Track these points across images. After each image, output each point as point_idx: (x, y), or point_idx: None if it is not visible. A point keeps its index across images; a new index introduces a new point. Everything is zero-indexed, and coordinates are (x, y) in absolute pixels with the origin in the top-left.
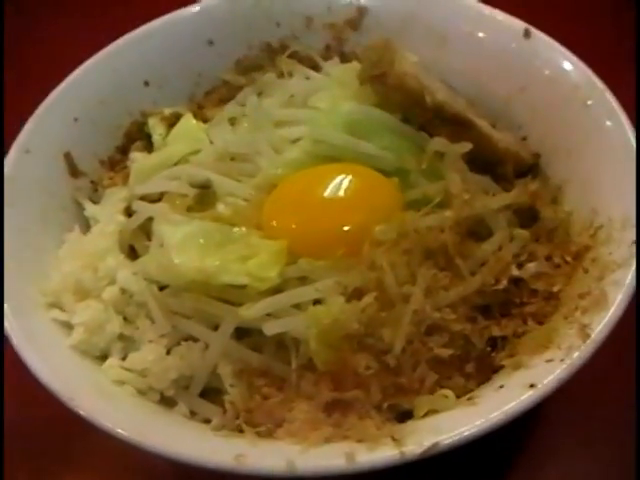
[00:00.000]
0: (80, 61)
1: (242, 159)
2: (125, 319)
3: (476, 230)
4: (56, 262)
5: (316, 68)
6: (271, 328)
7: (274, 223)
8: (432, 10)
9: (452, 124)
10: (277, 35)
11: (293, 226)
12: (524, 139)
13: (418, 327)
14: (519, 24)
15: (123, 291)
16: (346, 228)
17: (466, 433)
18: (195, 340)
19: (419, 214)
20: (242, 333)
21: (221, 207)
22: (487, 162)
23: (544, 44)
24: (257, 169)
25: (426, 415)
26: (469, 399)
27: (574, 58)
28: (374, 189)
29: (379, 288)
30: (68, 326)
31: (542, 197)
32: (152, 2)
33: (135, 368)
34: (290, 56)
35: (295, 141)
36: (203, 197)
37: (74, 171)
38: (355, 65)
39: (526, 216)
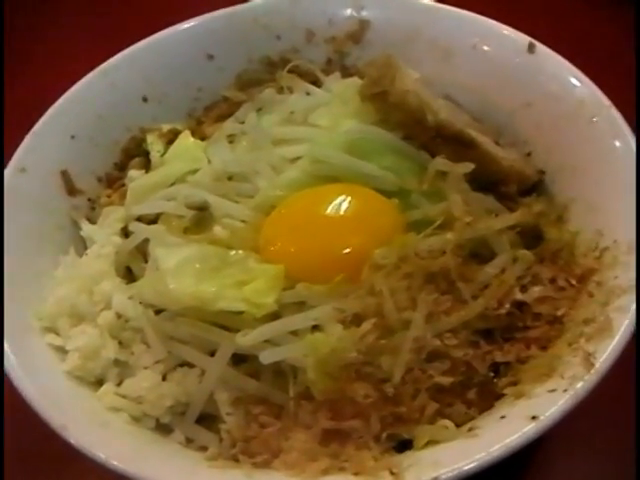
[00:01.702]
0: (78, 77)
1: (240, 179)
2: (120, 344)
3: (479, 251)
4: (52, 284)
5: (317, 83)
6: (268, 357)
7: (272, 246)
8: (436, 24)
9: (454, 143)
10: (278, 49)
11: (291, 250)
12: (529, 155)
13: (418, 354)
14: (524, 38)
15: (119, 316)
16: (345, 252)
17: (466, 468)
18: (191, 366)
19: (420, 236)
20: (239, 359)
21: (218, 229)
22: (490, 181)
23: (549, 59)
24: (255, 189)
25: (426, 445)
26: (470, 430)
27: (580, 74)
28: (374, 211)
29: (378, 314)
30: (63, 351)
31: (547, 216)
32: (151, 16)
33: (130, 395)
34: (291, 70)
35: (294, 160)
36: (200, 219)
37: (71, 189)
38: (356, 81)
39: (530, 235)
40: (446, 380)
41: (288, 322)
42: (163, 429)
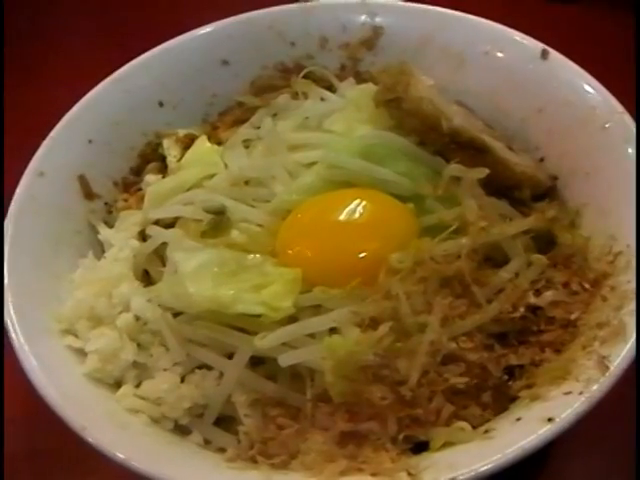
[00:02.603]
0: (94, 82)
1: (257, 184)
2: (139, 346)
3: (492, 256)
4: (70, 287)
5: (331, 89)
6: (286, 359)
7: (289, 250)
8: (449, 30)
9: (468, 148)
10: (292, 55)
11: (308, 254)
12: (541, 161)
13: (434, 357)
14: (536, 44)
15: (137, 318)
16: (362, 256)
17: (482, 469)
18: (209, 368)
19: (435, 241)
20: (257, 361)
21: (235, 233)
22: (504, 186)
23: (562, 65)
24: (272, 194)
25: (442, 447)
26: (486, 432)
27: (592, 80)
28: (390, 215)
29: (395, 318)
30: (82, 353)
31: (560, 221)
32: (166, 22)
33: (149, 396)
34: (305, 76)
35: (310, 165)
36: (217, 223)
37: (88, 193)
38: (370, 87)
39: (543, 240)
40: (461, 382)
41: (306, 325)
42: (181, 430)
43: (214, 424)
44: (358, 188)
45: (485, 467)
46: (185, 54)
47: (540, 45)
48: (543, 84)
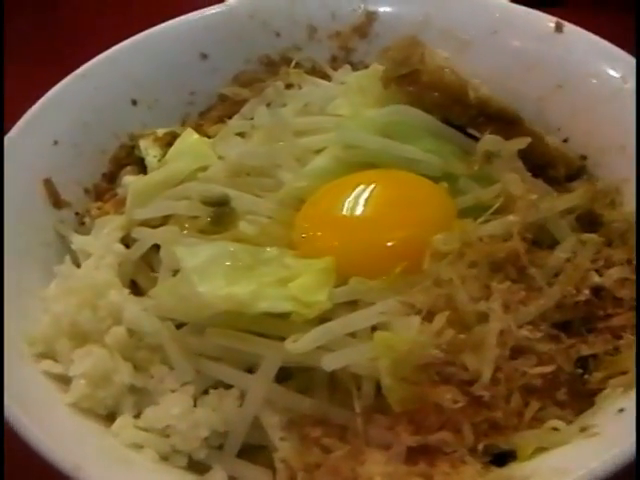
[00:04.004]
0: (59, 78)
1: (259, 174)
2: (136, 367)
3: (537, 238)
4: (43, 304)
5: (325, 79)
6: (332, 362)
7: (311, 242)
8: (449, 12)
9: (498, 121)
10: (278, 47)
11: (336, 243)
12: (565, 141)
13: (504, 349)
14: (548, 18)
15: (131, 332)
16: (401, 241)
17: (598, 471)
18: (227, 387)
19: (479, 222)
20: (283, 376)
21: (243, 226)
22: (537, 164)
23: (579, 37)
24: (278, 183)
25: (534, 454)
26: (582, 430)
27: (617, 49)
28: (425, 196)
29: (450, 306)
30: (64, 380)
31: (602, 200)
32: (138, 13)
33: (154, 426)
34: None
35: (319, 152)
36: (220, 216)
37: (56, 201)
38: (374, 69)
39: (585, 221)
40: (538, 375)
41: (347, 322)
42: (198, 467)
43: (238, 456)
44: (384, 169)
45: (600, 468)
46: (159, 47)
47: (553, 18)
48: (560, 59)
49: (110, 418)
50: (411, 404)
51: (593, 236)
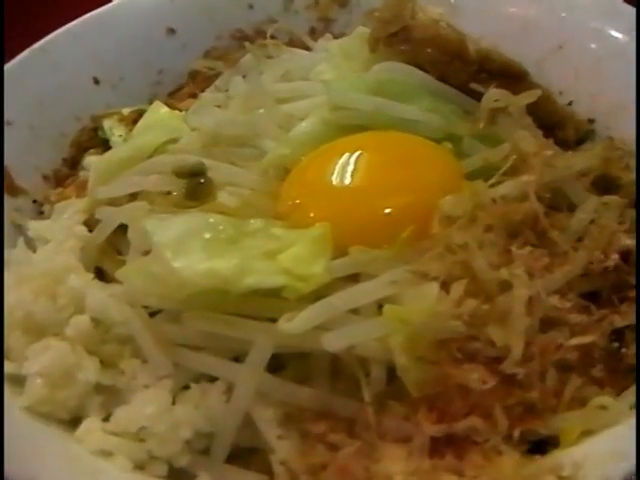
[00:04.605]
0: (13, 53)
1: (239, 144)
2: (102, 362)
3: (552, 202)
4: None
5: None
6: (335, 342)
7: (303, 209)
8: None
9: (501, 77)
10: (251, 20)
11: (331, 210)
12: (569, 105)
13: (533, 320)
14: None
15: (96, 322)
16: (405, 205)
17: None
18: (211, 380)
19: (489, 183)
20: (273, 367)
21: (224, 197)
22: (544, 125)
23: None
24: (261, 153)
25: (578, 439)
26: (632, 408)
27: (623, 4)
28: (429, 158)
29: (468, 274)
30: (18, 380)
31: (615, 163)
32: None
33: (126, 430)
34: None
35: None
36: (195, 189)
37: (11, 187)
38: (360, 32)
39: (600, 186)
40: (573, 352)
41: (352, 295)
42: (180, 476)
43: (227, 461)
44: (379, 131)
45: None
46: (122, 21)
47: None
48: (560, 17)
49: (73, 423)
50: (431, 387)
51: (615, 197)
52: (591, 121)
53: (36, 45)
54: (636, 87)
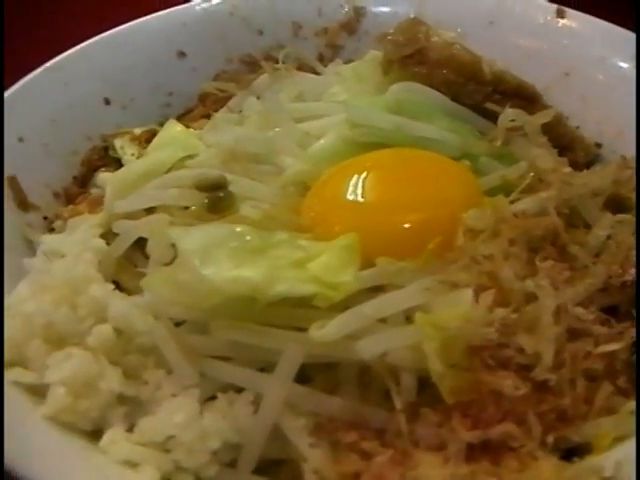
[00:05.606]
0: (26, 71)
1: (257, 161)
2: (125, 373)
3: (568, 219)
4: (11, 308)
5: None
6: (371, 348)
7: (328, 223)
8: (441, 4)
9: (514, 99)
10: (260, 45)
11: (356, 224)
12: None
13: (561, 330)
14: (548, 5)
15: (119, 332)
16: (430, 218)
17: None
18: (239, 390)
19: (509, 199)
20: (300, 378)
21: (245, 210)
22: (555, 146)
23: (584, 22)
24: (279, 170)
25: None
26: None
27: (619, 29)
28: (450, 174)
29: (495, 284)
30: (39, 390)
31: (625, 185)
32: (111, 9)
33: (152, 439)
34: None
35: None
36: (217, 202)
37: (22, 202)
38: (372, 55)
39: (612, 206)
40: (600, 360)
41: (383, 303)
42: None
43: (255, 473)
44: (399, 148)
45: None
46: (134, 43)
47: (553, 5)
48: (566, 45)
49: (95, 435)
50: (465, 394)
51: (628, 216)
52: (598, 145)
53: (49, 63)
54: (636, 109)
